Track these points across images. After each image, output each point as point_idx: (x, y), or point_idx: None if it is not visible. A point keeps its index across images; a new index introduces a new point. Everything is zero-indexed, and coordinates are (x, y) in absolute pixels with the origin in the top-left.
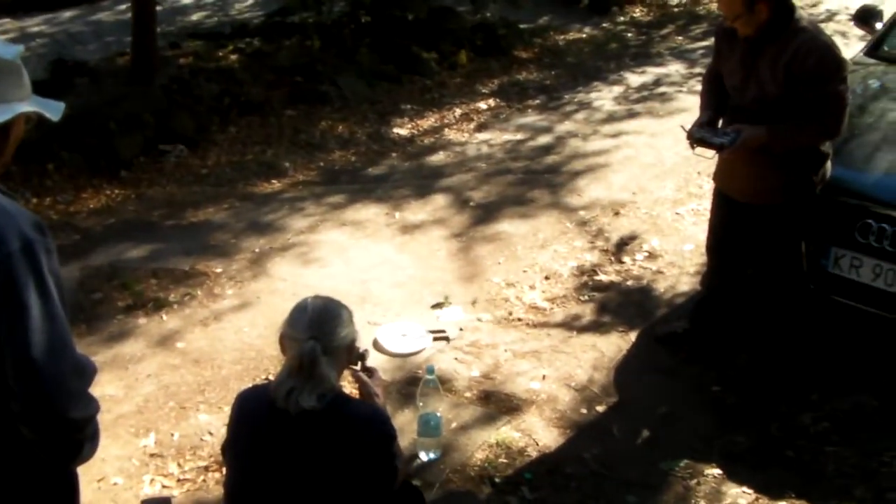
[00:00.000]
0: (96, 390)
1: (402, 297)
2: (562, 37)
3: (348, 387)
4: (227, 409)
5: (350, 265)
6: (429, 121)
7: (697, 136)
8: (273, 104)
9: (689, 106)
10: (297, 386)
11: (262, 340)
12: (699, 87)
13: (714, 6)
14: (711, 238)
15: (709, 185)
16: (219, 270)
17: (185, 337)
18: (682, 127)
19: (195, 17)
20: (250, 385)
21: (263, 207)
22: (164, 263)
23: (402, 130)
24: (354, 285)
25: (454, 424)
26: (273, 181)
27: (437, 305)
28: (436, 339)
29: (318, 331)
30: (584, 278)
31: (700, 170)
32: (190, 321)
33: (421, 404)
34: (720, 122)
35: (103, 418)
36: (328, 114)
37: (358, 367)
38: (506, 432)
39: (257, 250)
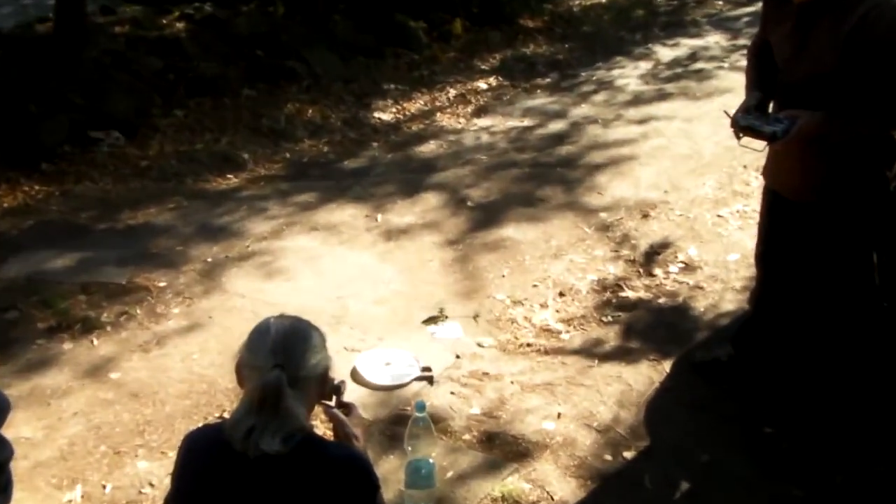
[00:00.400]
0: (9, 431)
1: (386, 317)
2: (577, 1)
3: (321, 426)
4: (172, 455)
5: (322, 278)
6: (417, 103)
7: (744, 124)
8: (228, 82)
9: (731, 85)
10: (258, 425)
11: (216, 370)
12: (744, 63)
13: None
14: (761, 246)
15: (757, 182)
16: (162, 284)
17: (121, 366)
18: (726, 112)
19: None
20: (200, 425)
21: (217, 208)
22: (96, 276)
23: (384, 115)
24: (328, 303)
25: (450, 473)
26: (228, 176)
27: (431, 320)
28: (418, 377)
29: (284, 358)
30: (607, 295)
31: (746, 163)
32: (127, 346)
33: (410, 448)
34: (771, 106)
35: (17, 466)
36: (295, 94)
37: (332, 403)
38: (513, 483)
39: (209, 260)
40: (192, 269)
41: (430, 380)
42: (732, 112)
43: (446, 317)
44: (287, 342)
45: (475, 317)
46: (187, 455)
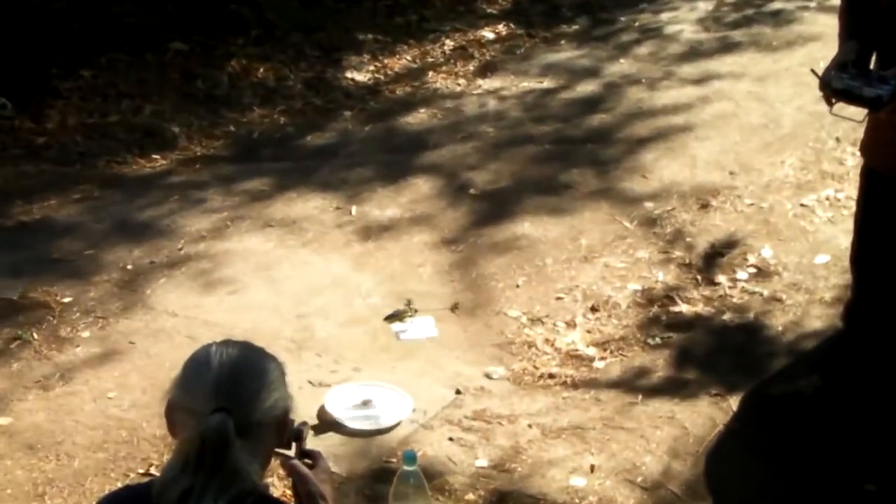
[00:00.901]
0: None
1: (364, 342)
2: None
3: (278, 484)
4: None
5: (279, 291)
6: (402, 59)
7: (838, 86)
8: (152, 32)
9: (820, 31)
10: (196, 487)
11: (138, 412)
12: (836, 2)
13: None
14: (858, 243)
15: (854, 161)
16: (67, 300)
17: (13, 408)
18: (814, 71)
19: None
20: (119, 487)
21: (138, 199)
22: None
23: (359, 75)
24: (286, 323)
25: None
26: (153, 156)
27: (395, 317)
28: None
29: (230, 399)
30: (654, 310)
31: (839, 135)
32: (19, 382)
33: None
34: (873, 62)
35: None
36: (241, 48)
37: (292, 452)
38: None
39: (129, 267)
40: (106, 279)
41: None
42: (822, 69)
43: (415, 310)
44: (234, 377)
45: (453, 307)
46: None
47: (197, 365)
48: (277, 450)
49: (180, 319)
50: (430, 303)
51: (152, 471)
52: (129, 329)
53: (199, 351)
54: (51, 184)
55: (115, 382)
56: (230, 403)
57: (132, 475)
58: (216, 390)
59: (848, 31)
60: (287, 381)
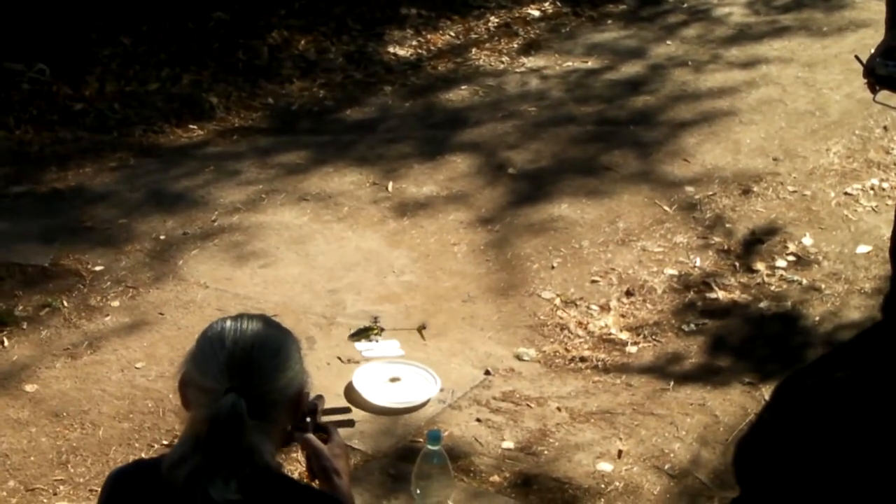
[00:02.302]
0: None
1: (395, 318)
2: None
3: (296, 461)
4: None
5: (312, 265)
6: (445, 35)
7: (882, 73)
8: (195, 1)
9: (872, 17)
10: (206, 466)
11: (165, 383)
12: None
13: None
14: None
15: None
16: (98, 269)
17: (40, 375)
18: (857, 57)
19: None
20: (141, 456)
21: (174, 168)
22: (8, 255)
23: (401, 49)
24: (318, 298)
25: None
26: (191, 126)
27: (361, 334)
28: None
29: (244, 378)
30: (690, 296)
31: (888, 123)
32: (48, 349)
33: (418, 492)
34: None
35: None
36: (282, 19)
37: (308, 427)
38: None
39: (162, 237)
40: (137, 248)
41: (351, 423)
42: (867, 56)
43: (382, 329)
44: (248, 356)
45: (420, 329)
46: (110, 501)
47: (210, 342)
48: (295, 426)
49: (211, 291)
50: (468, 287)
51: (173, 445)
52: (160, 300)
53: (212, 325)
54: (86, 151)
55: (144, 353)
56: (243, 383)
57: (156, 446)
58: (229, 369)
59: (894, 18)
60: (302, 356)
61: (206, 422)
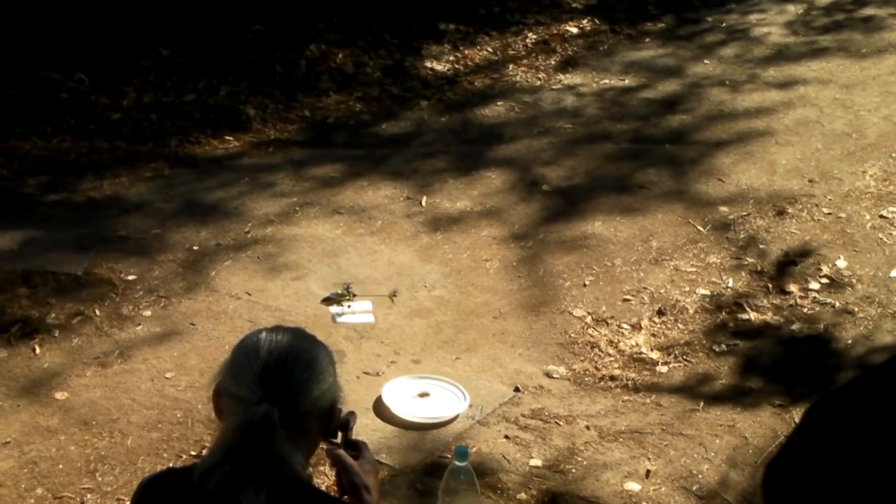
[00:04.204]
0: None
1: (426, 334)
2: None
3: (330, 473)
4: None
5: (344, 278)
6: (482, 51)
7: None
8: (233, 14)
9: None
10: (238, 475)
11: (195, 393)
12: None
13: None
14: None
15: None
16: (131, 278)
17: (70, 383)
18: None
19: None
20: (170, 466)
21: (208, 179)
22: (42, 263)
23: (438, 64)
24: None
25: None
26: (227, 137)
27: (332, 300)
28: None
29: (277, 389)
30: (722, 316)
31: None
32: (79, 358)
33: None
34: None
35: None
36: (320, 32)
37: (338, 441)
38: None
39: (195, 248)
40: (171, 258)
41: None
42: None
43: (353, 294)
44: (282, 367)
45: (392, 295)
46: None
47: (245, 352)
48: (326, 441)
49: (243, 303)
50: (499, 303)
51: (205, 453)
52: (191, 310)
53: (248, 336)
54: (122, 160)
55: (174, 363)
56: (277, 394)
57: (184, 456)
58: (263, 380)
59: None
60: (336, 370)
61: (239, 430)
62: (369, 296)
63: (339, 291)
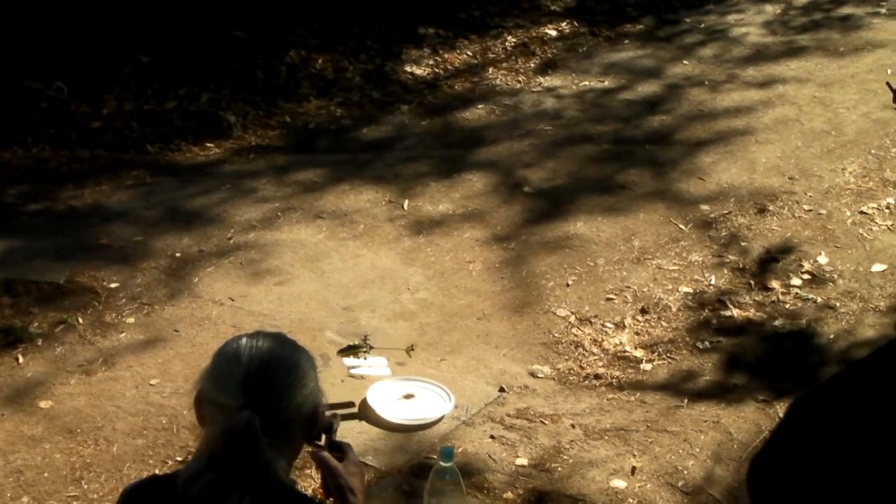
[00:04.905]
0: None
1: (410, 336)
2: None
3: (316, 477)
4: None
5: (327, 282)
6: (462, 55)
7: None
8: (210, 20)
9: (889, 39)
10: (220, 482)
11: (180, 400)
12: None
13: None
14: None
15: None
16: (114, 286)
17: (54, 391)
18: (889, 85)
19: None
20: (155, 472)
21: (190, 186)
22: (24, 272)
23: (418, 69)
24: (333, 315)
25: None
26: (208, 144)
27: (350, 350)
28: (343, 415)
29: (259, 395)
30: (705, 314)
31: None
32: (62, 366)
33: None
34: None
35: None
36: (301, 38)
37: (323, 443)
38: None
39: (178, 254)
40: (153, 266)
41: (355, 416)
42: (892, 77)
43: (370, 347)
44: (263, 373)
45: (409, 349)
46: None
47: (227, 358)
48: (310, 444)
49: (226, 308)
50: (483, 305)
51: (188, 460)
52: (175, 316)
53: (229, 343)
54: (104, 169)
55: (158, 369)
56: (259, 401)
57: (170, 462)
58: (245, 387)
59: None
60: (317, 374)
61: (221, 438)
62: (388, 349)
63: (357, 343)
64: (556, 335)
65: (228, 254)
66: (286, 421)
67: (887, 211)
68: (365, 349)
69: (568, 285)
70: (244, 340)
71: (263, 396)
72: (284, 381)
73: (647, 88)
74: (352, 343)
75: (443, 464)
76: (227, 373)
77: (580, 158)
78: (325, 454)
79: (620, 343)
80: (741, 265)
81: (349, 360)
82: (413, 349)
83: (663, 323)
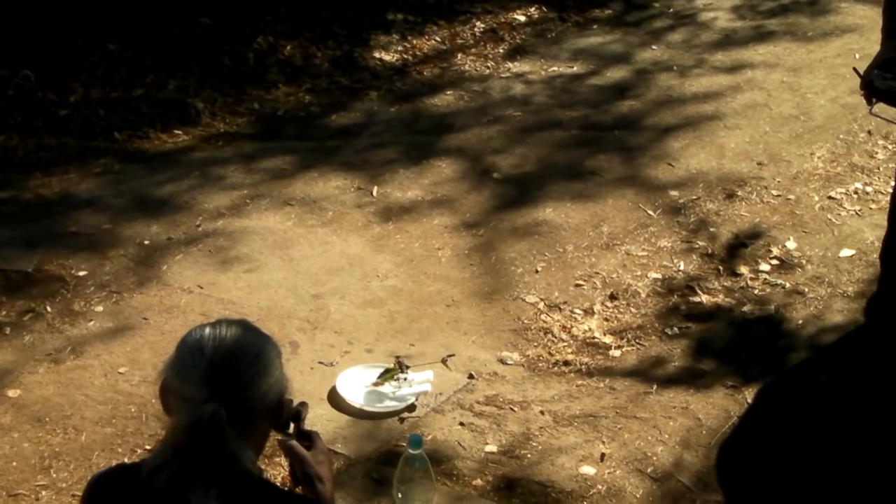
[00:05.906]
0: None
1: (379, 323)
2: None
3: (285, 464)
4: None
5: (296, 269)
6: (431, 40)
7: (881, 86)
8: (177, 6)
9: (858, 23)
10: (186, 473)
11: (149, 388)
12: None
13: None
14: (890, 239)
15: (885, 155)
16: (82, 274)
17: (22, 380)
18: (856, 69)
19: None
20: (125, 461)
21: (158, 174)
22: None
23: (387, 55)
24: (302, 302)
25: None
26: (176, 132)
27: (385, 376)
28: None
29: (223, 386)
30: (674, 299)
31: (871, 128)
32: (31, 355)
33: (400, 496)
34: None
35: None
36: (268, 24)
37: (291, 432)
38: None
39: (147, 242)
40: (122, 253)
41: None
42: (859, 62)
43: (407, 367)
44: (227, 364)
45: (444, 360)
46: None
47: (190, 349)
48: (278, 432)
49: (195, 296)
50: (452, 292)
51: (154, 450)
52: (144, 304)
53: (191, 333)
54: (71, 157)
55: (127, 358)
56: (224, 392)
57: (139, 451)
58: (209, 378)
59: (891, 29)
60: (282, 361)
61: (187, 430)
62: (426, 364)
63: (391, 367)
64: (526, 322)
65: (197, 241)
66: (251, 411)
67: (855, 196)
68: (397, 373)
69: (537, 272)
70: (207, 330)
71: (228, 387)
72: (249, 371)
73: (616, 74)
74: (386, 368)
75: (412, 451)
76: (191, 364)
77: (549, 144)
78: (294, 443)
79: (589, 329)
80: (710, 251)
81: (386, 388)
82: (450, 357)
83: (632, 309)
